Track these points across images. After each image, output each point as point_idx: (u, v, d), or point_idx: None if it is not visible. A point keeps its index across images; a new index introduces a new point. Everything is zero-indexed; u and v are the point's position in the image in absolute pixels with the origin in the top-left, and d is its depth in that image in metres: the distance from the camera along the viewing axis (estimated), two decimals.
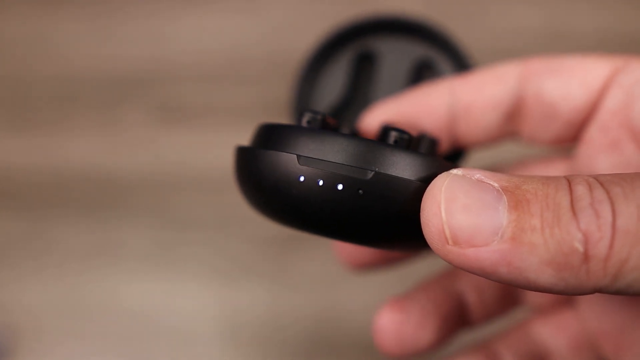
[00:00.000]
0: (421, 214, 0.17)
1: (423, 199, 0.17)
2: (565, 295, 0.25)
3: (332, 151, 0.18)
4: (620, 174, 0.17)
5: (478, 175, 0.17)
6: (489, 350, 0.26)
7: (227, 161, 0.35)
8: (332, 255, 0.39)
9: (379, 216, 0.18)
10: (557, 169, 0.25)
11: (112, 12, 0.49)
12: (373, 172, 0.18)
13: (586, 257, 0.16)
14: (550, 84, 0.22)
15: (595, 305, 0.24)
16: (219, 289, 0.40)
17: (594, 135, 0.22)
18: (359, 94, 0.28)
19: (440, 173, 0.18)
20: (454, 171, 0.17)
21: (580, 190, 0.16)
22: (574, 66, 0.22)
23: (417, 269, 0.32)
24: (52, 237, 0.43)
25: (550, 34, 0.45)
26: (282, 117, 0.41)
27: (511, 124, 0.24)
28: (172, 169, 0.44)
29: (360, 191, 0.18)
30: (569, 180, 0.16)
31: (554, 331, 0.26)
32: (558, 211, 0.16)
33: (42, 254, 0.44)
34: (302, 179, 0.18)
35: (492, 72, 0.24)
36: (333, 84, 0.28)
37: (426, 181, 0.18)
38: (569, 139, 0.23)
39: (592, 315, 0.24)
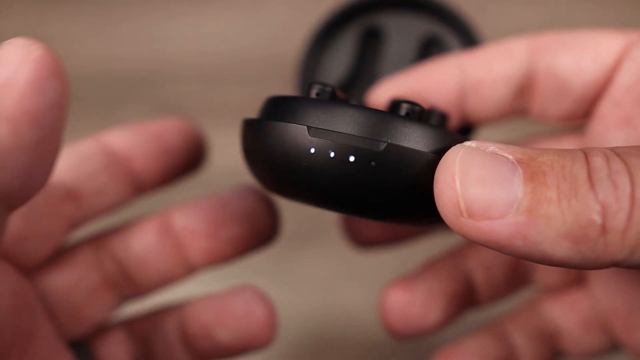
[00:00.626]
0: (435, 186, 0.17)
1: (437, 170, 0.17)
2: (577, 273, 0.25)
3: (343, 122, 0.17)
4: (637, 146, 0.16)
5: (492, 147, 0.17)
6: (498, 331, 0.25)
7: (226, 161, 0.35)
8: (332, 255, 0.39)
9: (391, 189, 0.17)
10: (568, 144, 0.24)
11: (112, 12, 0.49)
12: (385, 144, 0.17)
13: (604, 229, 0.15)
14: (562, 59, 0.22)
15: (607, 284, 0.24)
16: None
17: (606, 110, 0.22)
18: (365, 70, 0.28)
19: (454, 145, 0.17)
20: (468, 143, 0.17)
21: (598, 161, 0.16)
22: (586, 41, 0.21)
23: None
24: None
25: (550, 30, 0.45)
26: None
27: (521, 100, 0.24)
28: None
29: (373, 163, 0.17)
30: (585, 153, 0.16)
31: (564, 310, 0.25)
32: (575, 183, 0.16)
33: None
34: (312, 150, 0.18)
35: (501, 47, 0.23)
36: (339, 60, 0.28)
37: (439, 153, 0.17)
38: (581, 115, 0.23)
39: (603, 294, 0.24)
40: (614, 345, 0.25)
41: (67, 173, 0.22)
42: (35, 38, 0.17)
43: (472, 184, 0.16)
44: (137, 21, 0.49)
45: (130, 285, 0.24)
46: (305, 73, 0.27)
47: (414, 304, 0.24)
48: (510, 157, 0.16)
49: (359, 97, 0.27)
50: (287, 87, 0.46)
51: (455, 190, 0.16)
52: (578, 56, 0.21)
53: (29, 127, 0.16)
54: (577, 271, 0.25)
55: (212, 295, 0.24)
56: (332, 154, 0.17)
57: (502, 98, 0.24)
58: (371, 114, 0.18)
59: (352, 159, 0.17)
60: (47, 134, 0.16)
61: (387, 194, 0.18)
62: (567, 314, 0.25)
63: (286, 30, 0.50)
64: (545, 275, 0.26)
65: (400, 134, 0.17)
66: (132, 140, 0.24)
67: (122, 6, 0.49)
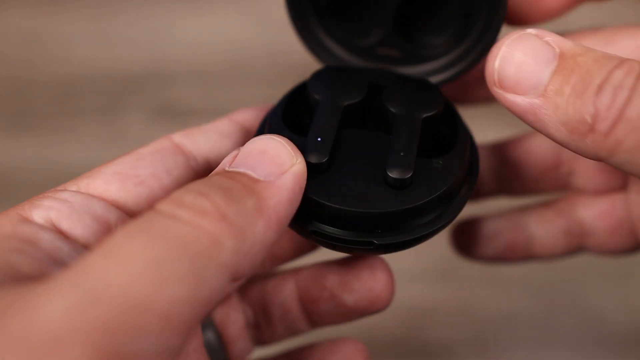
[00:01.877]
0: (487, 56, 0.21)
1: (495, 45, 0.21)
2: (619, 180, 0.28)
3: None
4: None
5: (548, 37, 0.20)
6: (519, 222, 0.28)
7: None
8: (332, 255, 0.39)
9: None
10: None
11: (113, 12, 0.49)
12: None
13: (591, 129, 0.19)
14: (620, 36, 0.24)
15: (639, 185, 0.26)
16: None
17: None
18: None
19: None
20: (529, 30, 0.21)
21: (617, 73, 0.19)
22: (615, 37, 0.24)
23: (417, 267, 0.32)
24: None
25: (550, 30, 0.45)
26: None
27: None
28: None
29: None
30: (620, 62, 0.19)
31: (597, 214, 0.27)
32: (587, 86, 0.19)
33: None
34: None
35: None
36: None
37: None
38: None
39: (638, 199, 0.26)
40: (638, 246, 0.27)
41: (213, 151, 0.23)
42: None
43: (509, 64, 0.20)
44: (137, 21, 0.49)
45: None
46: None
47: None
48: (557, 49, 0.20)
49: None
50: (287, 87, 0.46)
51: (495, 65, 0.21)
52: (607, 48, 0.24)
53: (276, 231, 0.18)
54: (618, 178, 0.27)
55: (332, 261, 0.25)
56: None
57: None
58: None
59: None
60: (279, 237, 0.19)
61: None
62: (599, 217, 0.27)
63: (287, 30, 0.50)
64: (585, 180, 0.28)
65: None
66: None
67: (123, 6, 0.49)
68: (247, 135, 0.24)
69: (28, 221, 0.19)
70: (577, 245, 0.28)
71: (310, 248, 0.27)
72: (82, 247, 0.19)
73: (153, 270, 0.15)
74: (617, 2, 0.46)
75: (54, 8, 0.49)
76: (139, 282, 0.15)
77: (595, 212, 0.27)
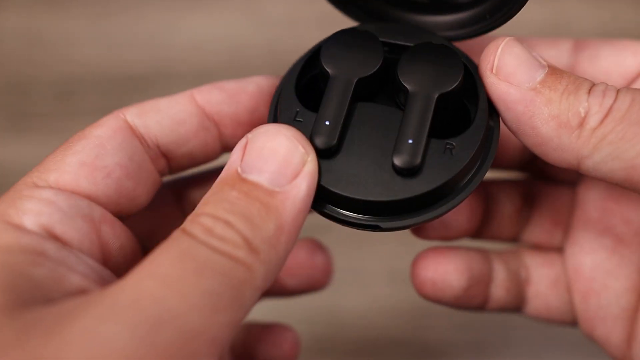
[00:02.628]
0: (489, 45, 0.22)
1: (496, 40, 0.22)
2: (559, 240, 0.28)
3: None
4: (635, 89, 0.21)
5: (535, 54, 0.22)
6: (484, 253, 0.28)
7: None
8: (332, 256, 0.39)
9: None
10: None
11: (113, 12, 0.49)
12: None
13: (582, 122, 0.21)
14: (604, 51, 0.25)
15: (581, 246, 0.27)
16: None
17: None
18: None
19: None
20: (511, 39, 0.22)
21: (600, 85, 0.21)
22: (626, 43, 0.25)
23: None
24: None
25: (551, 26, 0.45)
26: None
27: None
28: None
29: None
30: (594, 84, 0.21)
31: (540, 263, 0.28)
32: (578, 88, 0.21)
33: None
34: None
35: (546, 39, 0.26)
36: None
37: None
38: None
39: (574, 253, 0.27)
40: (572, 320, 0.28)
41: (164, 137, 0.23)
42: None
43: (510, 55, 0.22)
44: (138, 21, 0.49)
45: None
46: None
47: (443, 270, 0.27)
48: (543, 62, 0.22)
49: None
50: None
51: (496, 53, 0.22)
52: (619, 51, 0.25)
53: (295, 238, 0.20)
54: (559, 238, 0.28)
55: None
56: None
57: None
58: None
59: None
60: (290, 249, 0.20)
61: None
62: (542, 267, 0.28)
63: (288, 31, 0.50)
64: (532, 235, 0.29)
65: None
66: (224, 105, 0.24)
67: (123, 6, 0.49)
68: (202, 120, 0.24)
69: (24, 229, 0.19)
70: (518, 295, 0.28)
71: None
72: (79, 251, 0.20)
73: (207, 300, 0.17)
74: (617, 2, 0.46)
75: (54, 8, 0.49)
76: (196, 312, 0.17)
77: (539, 261, 0.28)
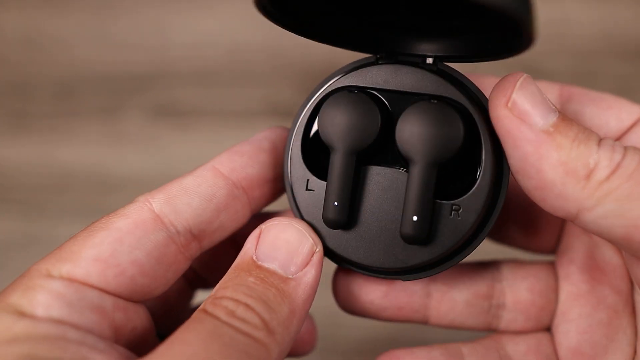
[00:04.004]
0: (505, 78, 0.22)
1: (511, 75, 0.22)
2: (542, 324, 0.27)
3: None
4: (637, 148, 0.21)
5: (547, 97, 0.22)
6: (454, 350, 0.27)
7: None
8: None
9: None
10: None
11: (113, 12, 0.49)
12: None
13: (589, 174, 0.20)
14: (589, 110, 0.25)
15: (569, 327, 0.26)
16: None
17: None
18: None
19: None
20: (528, 76, 0.22)
21: (609, 139, 0.21)
22: (611, 102, 0.25)
23: None
24: (50, 237, 0.43)
25: (551, 26, 0.45)
26: (284, 118, 0.41)
27: None
28: (174, 169, 0.44)
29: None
30: (601, 137, 0.22)
31: (525, 350, 0.27)
32: (589, 139, 0.21)
33: (39, 254, 0.45)
34: None
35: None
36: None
37: None
38: None
39: (565, 337, 0.26)
40: None
41: (196, 217, 0.23)
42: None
43: (526, 94, 0.21)
44: (137, 21, 0.49)
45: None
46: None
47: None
48: (554, 107, 0.22)
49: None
50: (288, 87, 0.46)
51: (514, 88, 0.22)
52: (604, 112, 0.25)
53: (303, 320, 0.22)
54: (544, 321, 0.27)
55: None
56: None
57: None
58: None
59: None
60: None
61: None
62: (527, 353, 0.27)
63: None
64: (513, 315, 0.28)
65: None
66: (249, 168, 0.25)
67: (123, 6, 0.49)
68: (231, 190, 0.24)
69: (37, 318, 0.20)
70: None
71: None
72: (95, 337, 0.21)
73: None
74: (617, 2, 0.46)
75: (54, 8, 0.49)
76: None
77: (523, 348, 0.27)
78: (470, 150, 0.23)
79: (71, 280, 0.21)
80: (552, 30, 0.45)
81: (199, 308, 0.21)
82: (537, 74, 0.43)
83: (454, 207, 0.23)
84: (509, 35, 0.21)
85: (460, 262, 0.24)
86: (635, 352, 0.25)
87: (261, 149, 0.25)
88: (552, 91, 0.26)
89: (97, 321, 0.21)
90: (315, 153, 0.25)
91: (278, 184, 0.25)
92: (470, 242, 0.23)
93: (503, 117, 0.22)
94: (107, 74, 0.47)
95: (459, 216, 0.23)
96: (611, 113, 0.25)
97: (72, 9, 0.49)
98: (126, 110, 0.47)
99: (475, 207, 0.22)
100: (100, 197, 0.44)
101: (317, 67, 0.25)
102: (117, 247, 0.21)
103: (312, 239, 0.23)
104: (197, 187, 0.23)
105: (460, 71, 0.24)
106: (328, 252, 0.24)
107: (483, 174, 0.22)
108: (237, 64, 0.47)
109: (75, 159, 0.46)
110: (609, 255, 0.26)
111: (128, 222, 0.22)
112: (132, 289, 0.22)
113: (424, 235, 0.22)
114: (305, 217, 0.24)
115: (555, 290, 0.27)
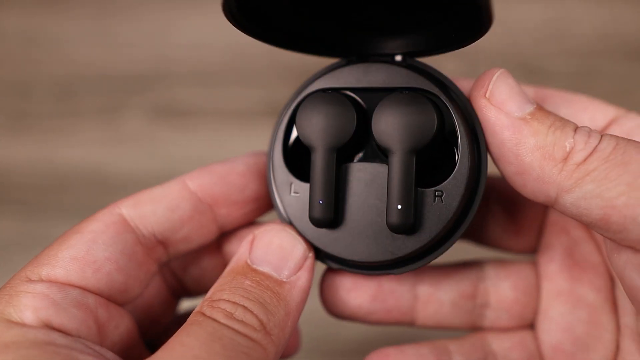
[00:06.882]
0: (484, 72, 0.23)
1: (492, 69, 0.23)
2: (527, 321, 0.28)
3: None
4: (613, 136, 0.22)
5: (524, 90, 0.23)
6: (441, 347, 0.27)
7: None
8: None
9: None
10: None
11: (113, 12, 0.49)
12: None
13: (566, 158, 0.21)
14: (564, 111, 0.26)
15: (550, 324, 0.27)
16: None
17: None
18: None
19: None
20: (505, 70, 0.23)
21: (585, 127, 0.22)
22: (586, 104, 0.26)
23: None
24: (50, 238, 0.43)
25: (550, 26, 0.45)
26: None
27: None
28: (173, 169, 0.44)
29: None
30: (578, 126, 0.22)
31: (509, 346, 0.27)
32: (565, 126, 0.22)
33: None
34: None
35: None
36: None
37: None
38: None
39: (547, 334, 0.27)
40: None
41: (160, 225, 0.25)
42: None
43: (504, 85, 0.23)
44: (137, 21, 0.49)
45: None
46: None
47: None
48: (532, 100, 0.23)
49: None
50: (286, 87, 0.46)
51: (491, 80, 0.23)
52: (578, 113, 0.26)
53: (297, 320, 0.23)
54: (529, 312, 0.28)
55: None
56: None
57: None
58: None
59: None
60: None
61: None
62: (512, 349, 0.27)
63: None
64: (497, 314, 0.28)
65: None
66: (216, 187, 0.26)
67: (123, 6, 0.49)
68: (196, 205, 0.25)
69: (26, 325, 0.20)
70: None
71: None
72: (77, 337, 0.21)
73: None
74: (617, 2, 0.46)
75: (54, 8, 0.49)
76: None
77: (508, 345, 0.27)
78: (448, 138, 0.24)
79: (51, 281, 0.22)
80: (552, 30, 0.45)
81: (194, 311, 0.21)
82: (538, 74, 0.44)
83: (436, 193, 0.23)
84: (469, 20, 0.22)
85: (445, 263, 0.24)
86: (617, 347, 0.26)
87: (233, 171, 0.26)
88: (526, 93, 0.26)
89: (82, 318, 0.21)
90: (298, 158, 0.25)
91: (248, 207, 0.26)
92: (456, 228, 0.23)
93: (482, 107, 0.23)
94: (107, 74, 0.47)
95: (442, 202, 0.23)
96: (586, 114, 0.26)
97: (73, 9, 0.49)
98: (126, 110, 0.47)
99: (457, 191, 0.23)
100: (100, 197, 0.44)
101: (316, 68, 0.25)
102: (91, 245, 0.23)
103: (304, 245, 0.24)
104: (163, 198, 0.25)
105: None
106: (318, 254, 0.25)
107: (461, 157, 0.23)
108: (237, 64, 0.47)
109: (75, 159, 0.46)
110: (589, 253, 0.27)
111: (99, 224, 0.23)
112: (111, 286, 0.23)
113: (410, 222, 0.23)
114: (293, 220, 0.25)
115: (538, 288, 0.28)
